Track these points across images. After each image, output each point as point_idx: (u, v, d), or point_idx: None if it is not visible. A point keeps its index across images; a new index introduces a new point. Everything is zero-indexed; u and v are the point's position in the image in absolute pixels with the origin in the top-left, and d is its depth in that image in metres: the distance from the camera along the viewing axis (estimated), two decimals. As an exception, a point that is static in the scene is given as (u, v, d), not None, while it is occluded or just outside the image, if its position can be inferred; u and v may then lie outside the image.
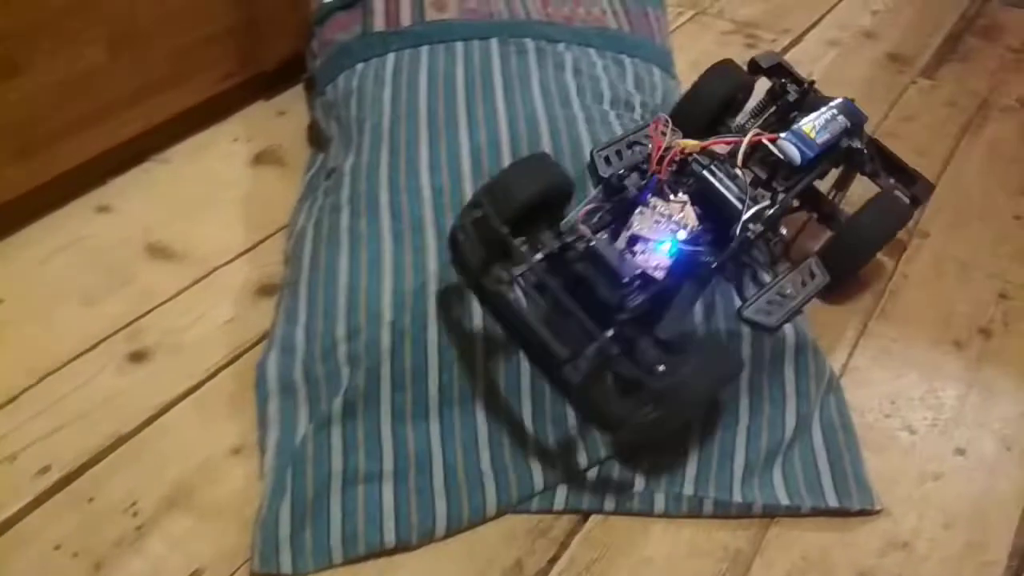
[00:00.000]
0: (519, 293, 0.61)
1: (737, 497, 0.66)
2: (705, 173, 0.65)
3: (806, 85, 0.79)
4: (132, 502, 0.64)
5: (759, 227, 0.65)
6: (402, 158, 0.78)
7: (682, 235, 0.62)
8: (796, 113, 0.76)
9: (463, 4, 0.98)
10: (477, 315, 0.67)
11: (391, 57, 0.91)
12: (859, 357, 0.78)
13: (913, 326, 0.81)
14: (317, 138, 0.95)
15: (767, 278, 0.70)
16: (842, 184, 0.83)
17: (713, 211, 0.64)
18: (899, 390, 0.75)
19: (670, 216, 0.62)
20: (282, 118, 1.03)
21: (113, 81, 0.87)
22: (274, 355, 0.68)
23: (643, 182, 0.65)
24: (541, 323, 0.58)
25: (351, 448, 0.63)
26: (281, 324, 0.70)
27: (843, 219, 0.81)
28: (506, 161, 0.76)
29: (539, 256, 0.60)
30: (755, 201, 0.65)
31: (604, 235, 0.62)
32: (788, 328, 0.69)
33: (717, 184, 0.65)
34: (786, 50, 1.24)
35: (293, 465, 0.63)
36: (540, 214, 0.62)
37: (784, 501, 0.66)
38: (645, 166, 0.67)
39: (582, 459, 0.67)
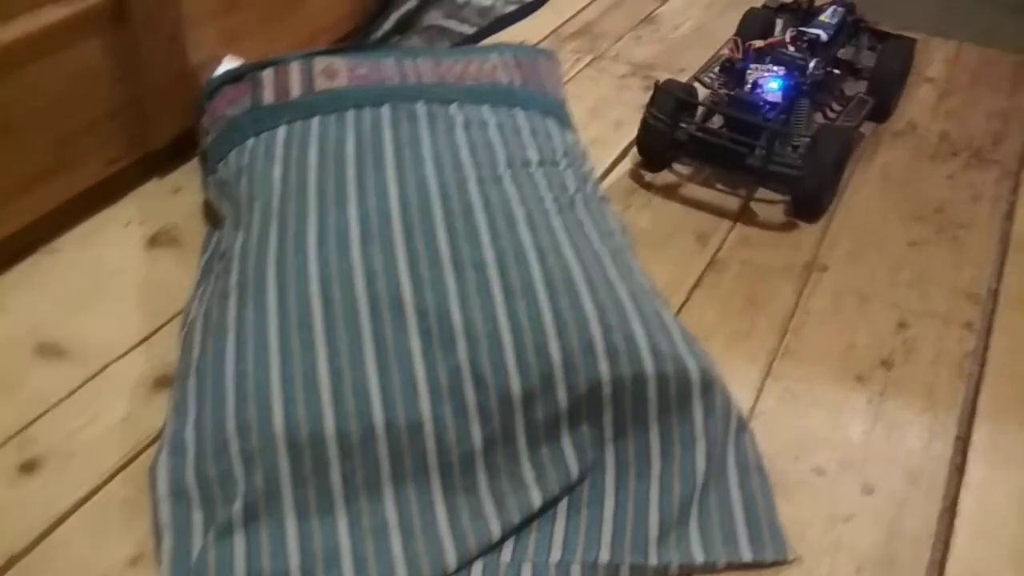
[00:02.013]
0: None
1: (653, 560, 0.65)
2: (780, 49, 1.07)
3: (806, 2, 1.20)
4: (25, 628, 0.61)
5: (820, 72, 1.05)
6: (290, 235, 0.76)
7: (781, 73, 1.01)
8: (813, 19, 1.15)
9: (354, 71, 0.98)
10: (376, 396, 0.65)
11: (281, 131, 0.89)
12: (765, 400, 0.79)
13: (817, 363, 0.82)
14: (213, 217, 0.93)
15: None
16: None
17: (786, 68, 1.03)
18: (806, 431, 0.76)
19: (768, 70, 1.02)
20: (178, 195, 1.01)
21: (-9, 176, 0.84)
22: (164, 457, 0.66)
23: (742, 58, 1.06)
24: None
25: (255, 553, 0.61)
26: (171, 422, 0.68)
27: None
28: (396, 230, 0.75)
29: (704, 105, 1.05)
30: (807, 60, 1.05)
31: (736, 90, 1.02)
32: (693, 364, 0.69)
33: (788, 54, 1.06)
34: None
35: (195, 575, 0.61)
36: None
37: (700, 559, 0.66)
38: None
39: (495, 529, 0.65)
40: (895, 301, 0.89)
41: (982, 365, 0.83)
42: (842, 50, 1.15)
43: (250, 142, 0.89)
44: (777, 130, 0.99)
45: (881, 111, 1.15)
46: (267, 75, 0.97)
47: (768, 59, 1.05)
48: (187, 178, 1.03)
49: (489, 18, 1.43)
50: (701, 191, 1.05)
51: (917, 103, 1.23)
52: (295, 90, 0.95)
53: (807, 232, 0.99)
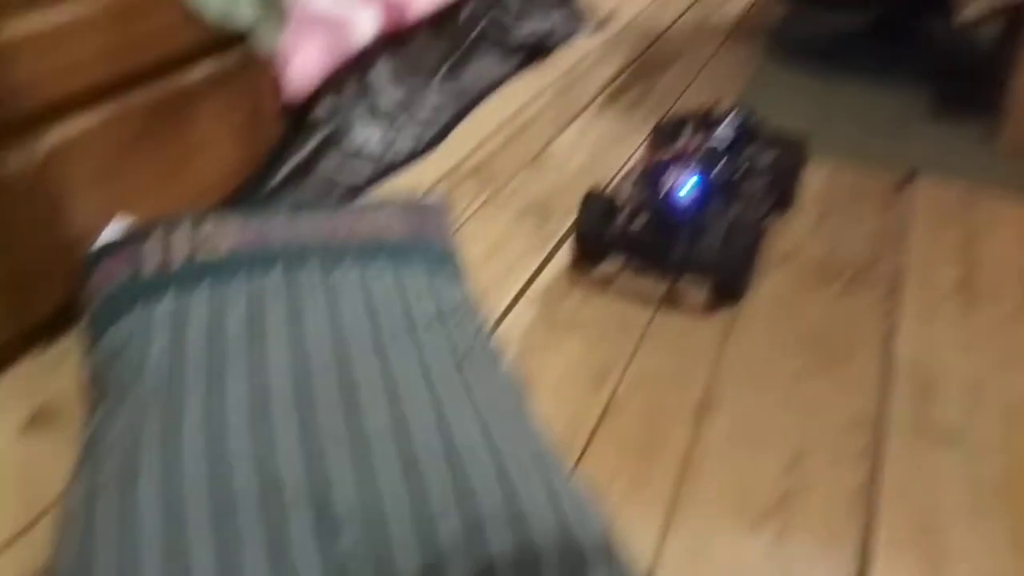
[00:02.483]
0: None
1: None
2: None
3: (708, 111, 1.31)
4: None
5: (726, 173, 1.18)
6: (167, 422, 0.73)
7: (693, 176, 1.13)
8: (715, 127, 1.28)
9: (241, 233, 0.97)
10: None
11: (162, 304, 0.88)
12: (665, 557, 0.78)
13: (714, 510, 0.82)
14: (94, 397, 0.89)
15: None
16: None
17: (698, 171, 1.14)
18: (708, 585, 0.75)
19: (681, 174, 1.13)
20: (60, 371, 0.97)
21: None
22: None
23: (657, 165, 1.17)
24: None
25: None
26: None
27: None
28: (280, 409, 0.73)
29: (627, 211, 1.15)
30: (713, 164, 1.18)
31: (654, 193, 1.14)
32: (588, 535, 0.68)
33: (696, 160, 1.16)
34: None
35: None
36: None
37: None
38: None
39: None
40: (786, 437, 0.91)
41: (876, 499, 0.84)
42: (743, 153, 1.27)
43: (128, 317, 0.87)
44: (694, 226, 1.11)
45: (782, 204, 1.30)
46: (149, 243, 0.96)
47: (679, 165, 1.16)
48: (70, 352, 1.00)
49: (383, 163, 1.45)
50: (598, 329, 1.07)
51: (796, 228, 1.28)
52: (178, 258, 0.93)
53: (699, 369, 1.00)
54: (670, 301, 1.12)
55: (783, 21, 2.20)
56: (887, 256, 1.22)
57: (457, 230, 1.27)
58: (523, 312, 1.11)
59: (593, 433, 0.92)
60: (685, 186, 1.12)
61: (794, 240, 1.26)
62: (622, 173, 1.43)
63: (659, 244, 1.12)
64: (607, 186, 1.25)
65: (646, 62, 1.94)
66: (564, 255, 1.22)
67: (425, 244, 1.03)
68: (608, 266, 1.18)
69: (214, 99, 1.18)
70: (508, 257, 1.22)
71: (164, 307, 0.87)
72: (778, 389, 0.97)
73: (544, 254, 1.22)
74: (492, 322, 1.09)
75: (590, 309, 1.11)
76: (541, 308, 1.11)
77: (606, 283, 1.16)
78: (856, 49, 1.99)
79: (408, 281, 0.94)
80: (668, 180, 1.13)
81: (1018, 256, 1.22)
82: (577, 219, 1.17)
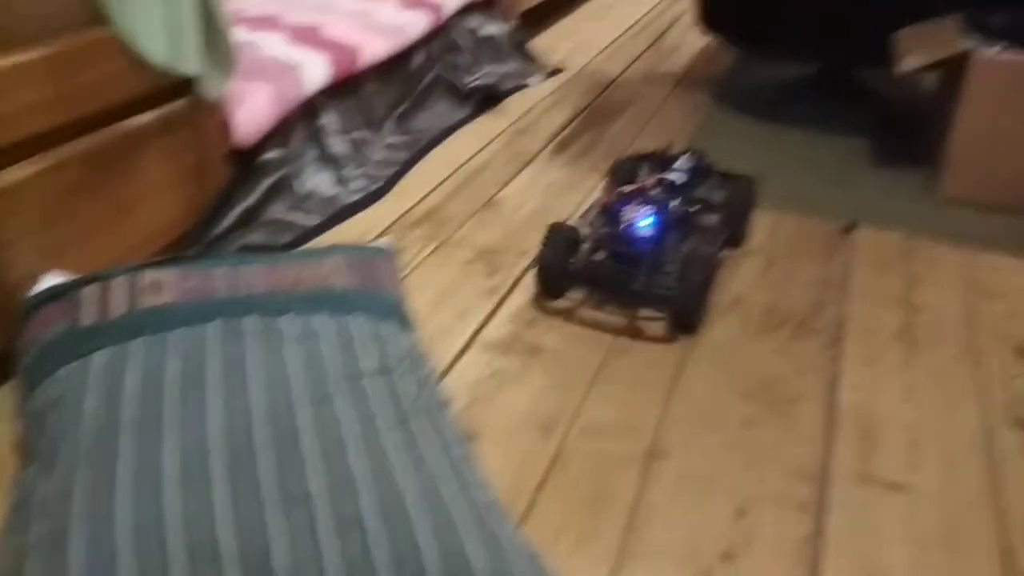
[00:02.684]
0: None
1: None
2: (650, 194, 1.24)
3: (662, 152, 1.41)
4: None
5: (681, 209, 1.24)
6: (100, 480, 0.71)
7: (650, 212, 1.18)
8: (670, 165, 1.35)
9: (182, 284, 0.96)
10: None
11: (99, 356, 0.85)
12: (612, 609, 0.77)
13: (661, 563, 0.82)
14: (27, 453, 0.87)
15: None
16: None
17: (654, 208, 1.20)
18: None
19: (639, 210, 1.18)
20: (-8, 423, 0.95)
21: None
22: None
23: (616, 201, 1.23)
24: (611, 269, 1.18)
25: None
26: None
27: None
28: (216, 466, 0.72)
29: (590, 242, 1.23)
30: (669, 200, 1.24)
31: (614, 228, 1.19)
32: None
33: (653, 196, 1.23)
34: (525, 271, 1.30)
35: None
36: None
37: None
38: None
39: None
40: (732, 486, 0.91)
41: (820, 549, 0.84)
42: (697, 190, 1.33)
43: (64, 370, 0.85)
44: (653, 259, 1.16)
45: (734, 238, 1.36)
46: (88, 293, 0.94)
47: (638, 201, 1.21)
48: (5, 404, 0.97)
49: (333, 208, 1.45)
50: (548, 377, 1.06)
51: (741, 276, 1.30)
52: (117, 309, 0.92)
53: (647, 415, 1.01)
54: (630, 332, 1.16)
55: (730, 71, 2.25)
56: (831, 303, 1.24)
57: (406, 277, 1.27)
58: (472, 360, 1.10)
59: (541, 484, 0.91)
60: (644, 220, 1.17)
61: (741, 287, 1.27)
62: (573, 219, 1.44)
63: (620, 276, 1.17)
64: (585, 214, 1.30)
65: (597, 109, 1.97)
66: (514, 302, 1.22)
67: (372, 292, 1.02)
68: (568, 300, 1.22)
69: (159, 145, 1.16)
70: (458, 304, 1.22)
71: (100, 359, 0.85)
72: (726, 436, 0.98)
73: (494, 301, 1.22)
74: (440, 371, 1.08)
75: (539, 358, 1.11)
76: (491, 356, 1.11)
77: (568, 315, 1.20)
78: (801, 99, 2.04)
79: (354, 331, 0.93)
80: (627, 215, 1.18)
81: (956, 303, 1.25)
82: (540, 251, 1.21)
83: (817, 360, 1.12)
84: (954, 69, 1.57)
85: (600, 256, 1.20)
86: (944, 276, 1.33)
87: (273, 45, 1.55)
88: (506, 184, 1.58)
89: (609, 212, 1.22)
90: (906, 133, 1.87)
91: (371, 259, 1.09)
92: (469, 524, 0.72)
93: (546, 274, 1.21)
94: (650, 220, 1.18)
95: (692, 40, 2.51)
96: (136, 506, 0.68)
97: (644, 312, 1.18)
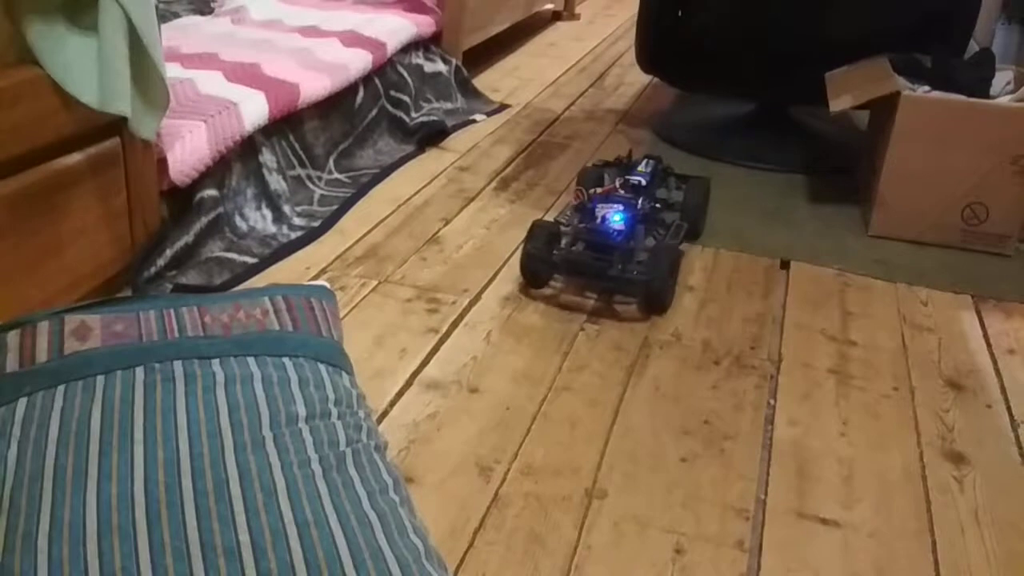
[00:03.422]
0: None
1: None
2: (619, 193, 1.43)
3: (624, 159, 1.59)
4: None
5: (646, 206, 1.41)
6: (19, 533, 0.69)
7: (621, 208, 1.35)
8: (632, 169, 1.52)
9: (109, 328, 0.93)
10: None
11: (22, 403, 0.83)
12: (549, 655, 0.76)
13: (599, 605, 0.81)
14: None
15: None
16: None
17: (623, 205, 1.37)
18: None
19: (610, 207, 1.35)
20: (-94, 475, 0.90)
21: None
22: None
23: (588, 200, 1.41)
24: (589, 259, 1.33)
25: None
26: None
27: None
28: (139, 517, 0.69)
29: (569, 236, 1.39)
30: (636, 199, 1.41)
31: (590, 223, 1.36)
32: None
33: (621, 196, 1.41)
34: (467, 309, 1.29)
35: None
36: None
37: None
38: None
39: None
40: (671, 525, 0.91)
41: (755, 587, 0.84)
42: (658, 190, 1.52)
43: (-16, 418, 0.82)
44: (625, 249, 1.32)
45: (693, 232, 1.52)
46: (11, 338, 0.91)
47: (609, 199, 1.38)
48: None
49: (273, 246, 1.43)
50: (486, 418, 1.06)
51: (680, 312, 1.32)
52: (42, 355, 0.89)
53: (587, 454, 1.01)
54: (606, 314, 1.30)
55: (671, 108, 2.29)
56: (767, 339, 1.26)
57: (345, 316, 1.26)
58: (411, 400, 1.09)
59: (478, 529, 0.90)
60: (616, 215, 1.34)
61: (680, 323, 1.29)
62: (511, 261, 1.45)
63: (597, 264, 1.31)
64: (561, 213, 1.50)
65: (540, 146, 1.98)
66: (455, 341, 1.22)
67: (309, 334, 1.01)
68: (550, 288, 1.37)
69: (90, 186, 1.14)
70: (397, 344, 1.21)
71: (24, 405, 0.82)
72: (664, 474, 0.98)
73: (434, 340, 1.22)
74: (378, 412, 1.07)
75: (478, 398, 1.10)
76: (430, 396, 1.10)
77: (549, 300, 1.34)
78: (739, 135, 2.08)
79: (289, 373, 0.92)
80: (600, 212, 1.35)
81: (887, 338, 1.28)
82: (525, 245, 1.34)
83: (754, 396, 1.13)
84: (883, 108, 1.62)
85: (579, 248, 1.36)
86: (877, 310, 1.36)
87: (211, 82, 1.53)
88: (448, 221, 1.58)
89: (584, 209, 1.39)
90: (840, 169, 1.91)
91: (309, 299, 1.07)
92: (403, 573, 0.70)
93: (531, 264, 1.34)
94: (621, 215, 1.34)
95: (634, 78, 2.55)
96: (56, 561, 0.66)
97: (617, 296, 1.34)
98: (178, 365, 0.88)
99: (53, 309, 0.96)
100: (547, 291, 1.36)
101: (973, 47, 1.79)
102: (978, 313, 1.37)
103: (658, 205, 1.48)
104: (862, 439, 1.06)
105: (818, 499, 0.96)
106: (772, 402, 1.12)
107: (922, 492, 0.98)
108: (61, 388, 0.84)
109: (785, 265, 1.48)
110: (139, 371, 0.86)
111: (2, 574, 0.66)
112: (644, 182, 1.46)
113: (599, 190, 1.43)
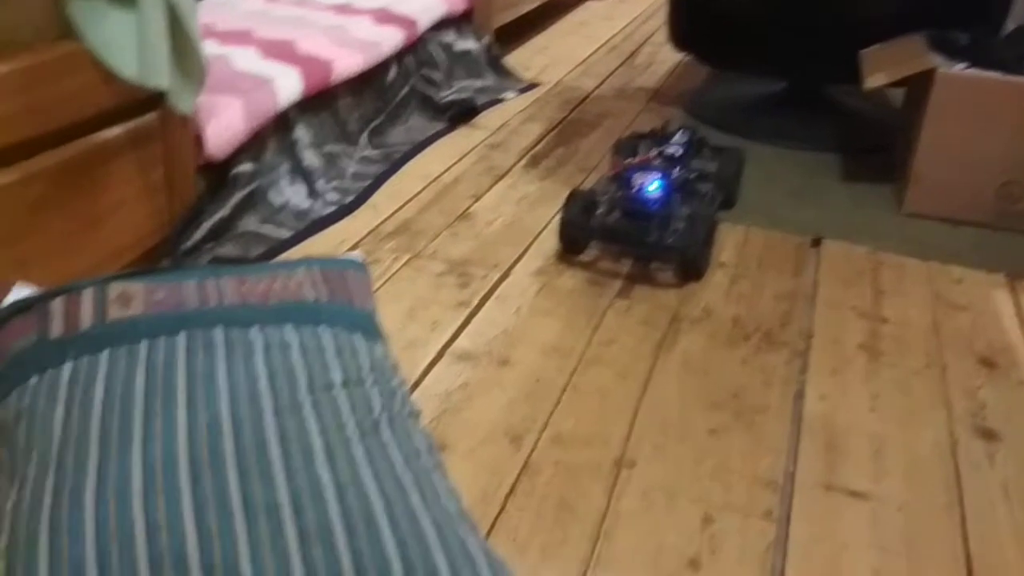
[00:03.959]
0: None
1: None
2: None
3: (659, 131, 1.57)
4: None
5: (681, 176, 1.42)
6: (66, 490, 0.71)
7: (657, 177, 1.35)
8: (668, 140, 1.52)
9: (151, 296, 0.96)
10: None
11: (67, 367, 0.85)
12: (579, 617, 0.78)
13: (626, 572, 0.83)
14: None
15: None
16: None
17: (660, 174, 1.36)
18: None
19: (647, 176, 1.35)
20: (-44, 436, 0.94)
21: None
22: None
23: (625, 170, 1.39)
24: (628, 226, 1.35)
25: None
26: None
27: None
28: (182, 475, 0.72)
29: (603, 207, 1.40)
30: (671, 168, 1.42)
31: (627, 191, 1.36)
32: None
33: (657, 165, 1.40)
34: (496, 284, 1.30)
35: None
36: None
37: None
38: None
39: None
40: (699, 495, 0.92)
41: (784, 556, 0.85)
42: (692, 161, 1.52)
43: (33, 380, 0.85)
44: (662, 217, 1.34)
45: (727, 202, 1.56)
46: (56, 305, 0.94)
47: (645, 169, 1.38)
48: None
49: (307, 221, 1.45)
50: (516, 389, 1.07)
51: (711, 288, 1.32)
52: (86, 321, 0.91)
53: (616, 425, 1.02)
54: (641, 280, 1.34)
55: (702, 86, 2.28)
56: (797, 316, 1.26)
57: (378, 289, 1.27)
58: (443, 371, 1.11)
59: (509, 495, 0.91)
60: (652, 184, 1.34)
61: (710, 299, 1.29)
62: (541, 236, 1.46)
63: (634, 231, 1.33)
64: (598, 182, 1.53)
65: (570, 124, 1.98)
66: (486, 314, 1.23)
67: (343, 304, 1.02)
68: (587, 255, 1.40)
69: (129, 159, 1.16)
70: (429, 316, 1.22)
71: (69, 369, 0.85)
72: (693, 446, 0.99)
73: (466, 313, 1.23)
74: (411, 382, 1.09)
75: (509, 369, 1.12)
76: (461, 367, 1.12)
77: (587, 267, 1.37)
78: (771, 114, 2.07)
79: (324, 342, 0.93)
80: (637, 181, 1.35)
81: (921, 315, 1.28)
82: (562, 213, 1.37)
83: (784, 371, 1.13)
84: (919, 86, 1.60)
85: (615, 216, 1.37)
86: (909, 288, 1.35)
87: (246, 59, 1.55)
88: (479, 198, 1.59)
89: (621, 179, 1.39)
90: (873, 148, 1.90)
91: (342, 271, 1.09)
92: (437, 535, 0.72)
93: (569, 231, 1.37)
94: (658, 184, 1.34)
95: (665, 56, 2.54)
96: (103, 516, 0.68)
97: (655, 264, 1.38)
98: (218, 332, 0.90)
99: (96, 278, 0.99)
100: (584, 258, 1.39)
101: (1010, 25, 1.76)
102: (1012, 292, 1.36)
103: (693, 175, 1.49)
104: (892, 414, 1.06)
105: (847, 472, 0.97)
106: (802, 377, 1.12)
107: (952, 467, 0.98)
108: (105, 353, 0.87)
109: (816, 243, 1.48)
110: (180, 337, 0.89)
111: (52, 529, 0.69)
112: (679, 152, 1.47)
113: (635, 160, 1.45)
